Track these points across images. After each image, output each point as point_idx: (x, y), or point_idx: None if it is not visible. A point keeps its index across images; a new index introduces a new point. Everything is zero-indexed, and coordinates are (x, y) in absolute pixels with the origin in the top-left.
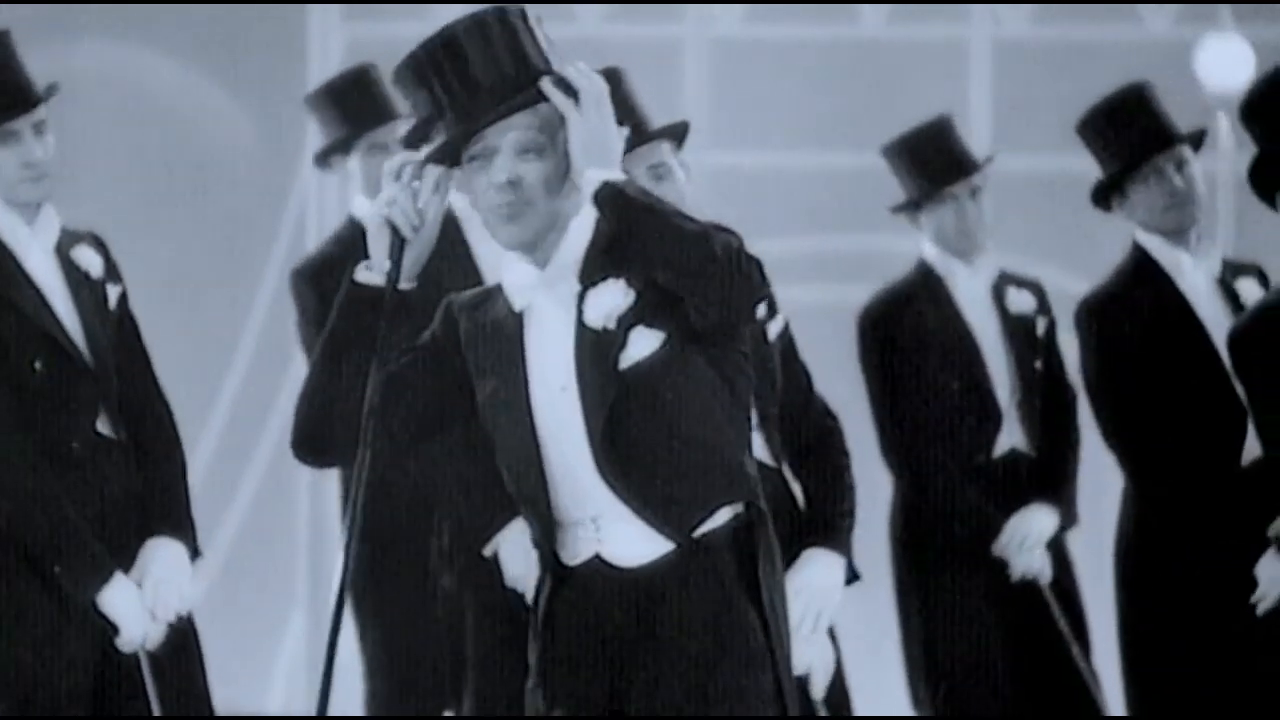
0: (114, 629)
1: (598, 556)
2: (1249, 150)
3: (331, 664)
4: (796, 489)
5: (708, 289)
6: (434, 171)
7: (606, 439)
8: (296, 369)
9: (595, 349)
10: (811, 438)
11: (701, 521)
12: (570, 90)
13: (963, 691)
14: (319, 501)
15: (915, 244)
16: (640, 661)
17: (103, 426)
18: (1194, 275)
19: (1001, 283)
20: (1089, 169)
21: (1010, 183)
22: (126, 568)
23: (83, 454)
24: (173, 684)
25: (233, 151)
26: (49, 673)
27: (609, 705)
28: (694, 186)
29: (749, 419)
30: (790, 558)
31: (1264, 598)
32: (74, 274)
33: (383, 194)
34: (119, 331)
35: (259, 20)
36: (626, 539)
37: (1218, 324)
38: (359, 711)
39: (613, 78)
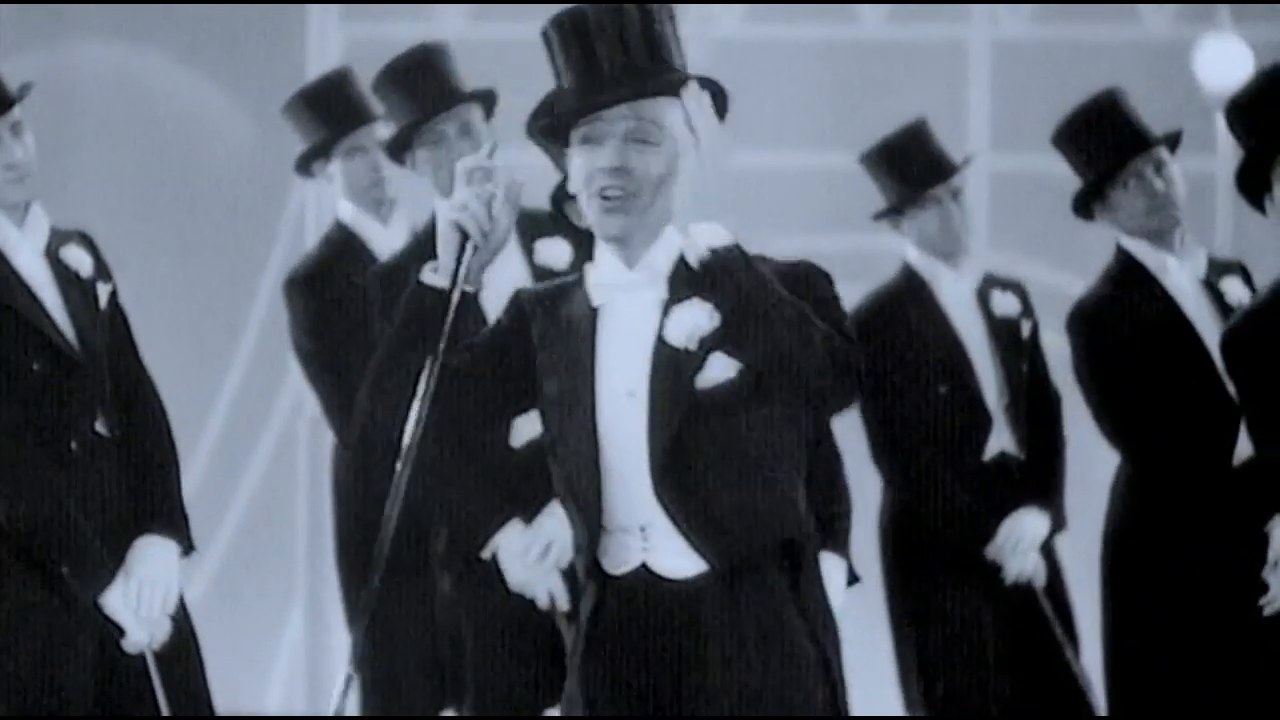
0: (119, 630)
1: (644, 566)
2: None
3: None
4: None
5: (804, 379)
6: (505, 176)
7: (669, 455)
8: (295, 371)
9: (672, 364)
10: None
11: (746, 553)
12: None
13: (957, 694)
14: (317, 502)
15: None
16: (687, 674)
17: (100, 426)
18: (1179, 276)
19: (986, 286)
20: None
21: (1009, 182)
22: None
23: (81, 454)
24: (175, 684)
25: (231, 152)
26: (52, 673)
27: (652, 716)
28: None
29: (806, 452)
30: None
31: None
32: (64, 274)
33: (455, 196)
34: (110, 329)
35: (257, 21)
36: (674, 551)
37: (1205, 323)
38: (356, 712)
39: None
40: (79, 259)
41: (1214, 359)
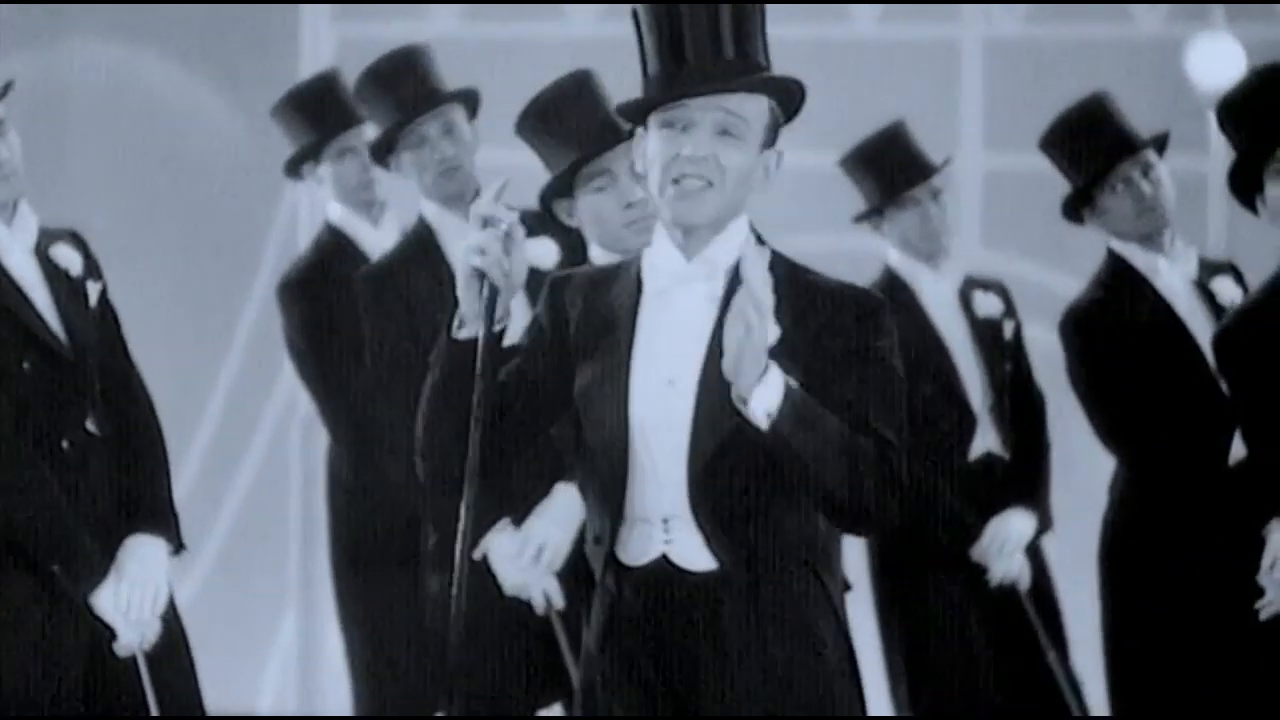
0: (109, 630)
1: (664, 558)
2: None
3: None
4: None
5: (848, 509)
6: (513, 216)
7: (710, 459)
8: (288, 371)
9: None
10: None
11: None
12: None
13: (945, 696)
14: (310, 502)
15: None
16: (708, 667)
17: (90, 424)
18: (1171, 278)
19: (967, 287)
20: None
21: (1002, 181)
22: None
23: (72, 452)
24: (165, 684)
25: (224, 152)
26: (42, 673)
27: (674, 710)
28: None
29: None
30: None
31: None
32: (54, 272)
33: (470, 240)
34: (101, 328)
35: (249, 21)
36: (697, 544)
37: (1198, 324)
38: (348, 711)
39: (585, 78)
40: (69, 257)
41: (1208, 360)
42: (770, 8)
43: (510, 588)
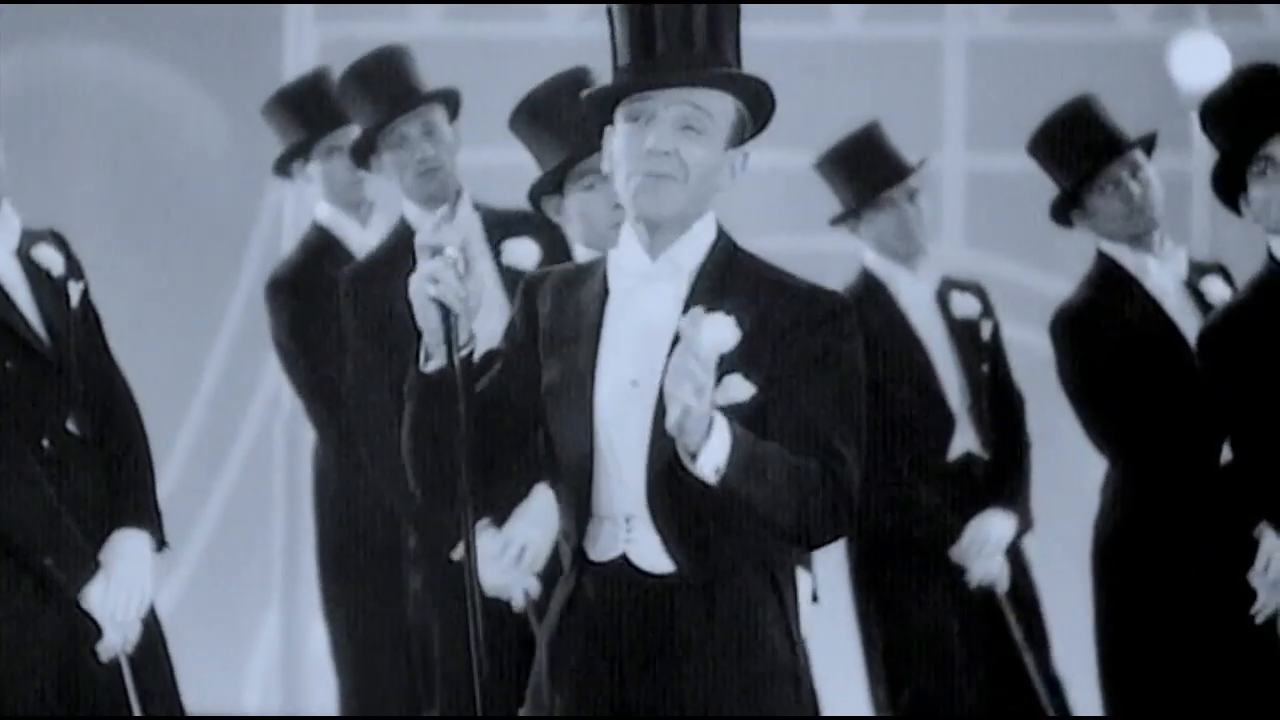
0: (95, 629)
1: (624, 557)
2: None
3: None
4: None
5: (795, 533)
6: (460, 233)
7: (670, 464)
8: (272, 370)
9: None
10: None
11: (721, 567)
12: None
13: (923, 697)
14: (294, 500)
15: None
16: (658, 670)
17: (71, 424)
18: (1161, 278)
19: (945, 287)
20: None
21: (985, 182)
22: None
23: (54, 452)
24: (146, 685)
25: (207, 153)
26: (18, 672)
27: (616, 707)
28: None
29: None
30: None
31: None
32: (35, 273)
33: (420, 271)
34: (83, 328)
35: (233, 21)
36: (656, 546)
37: (1188, 325)
38: (332, 710)
39: (581, 76)
40: (50, 258)
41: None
42: (752, 7)
43: (491, 589)
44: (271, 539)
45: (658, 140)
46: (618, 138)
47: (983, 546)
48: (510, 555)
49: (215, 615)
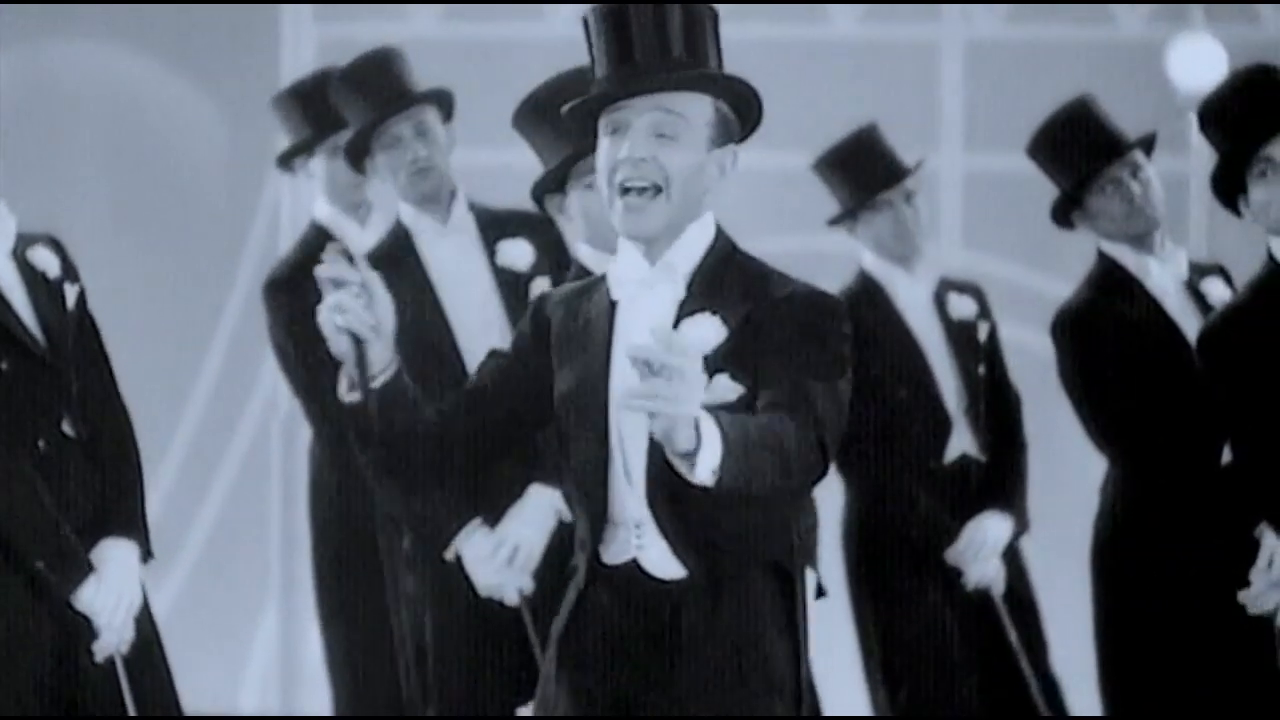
0: (91, 629)
1: (634, 562)
2: None
3: None
4: None
5: (780, 492)
6: (359, 274)
7: (664, 468)
8: (268, 371)
9: None
10: None
11: (729, 569)
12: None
13: (921, 699)
14: (291, 500)
15: None
16: (658, 671)
17: (66, 426)
18: (1162, 279)
19: (942, 289)
20: None
21: (983, 182)
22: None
23: (48, 453)
24: (142, 686)
25: (204, 152)
26: (14, 671)
27: (620, 709)
28: None
29: (808, 489)
30: None
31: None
32: (31, 275)
33: (327, 301)
34: (78, 330)
35: (231, 21)
36: (664, 552)
37: (1189, 325)
38: (329, 712)
39: (585, 75)
40: (46, 260)
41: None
42: (750, 8)
43: (485, 589)
44: (269, 539)
45: (633, 149)
46: (599, 152)
47: (979, 549)
48: (503, 555)
49: (212, 617)
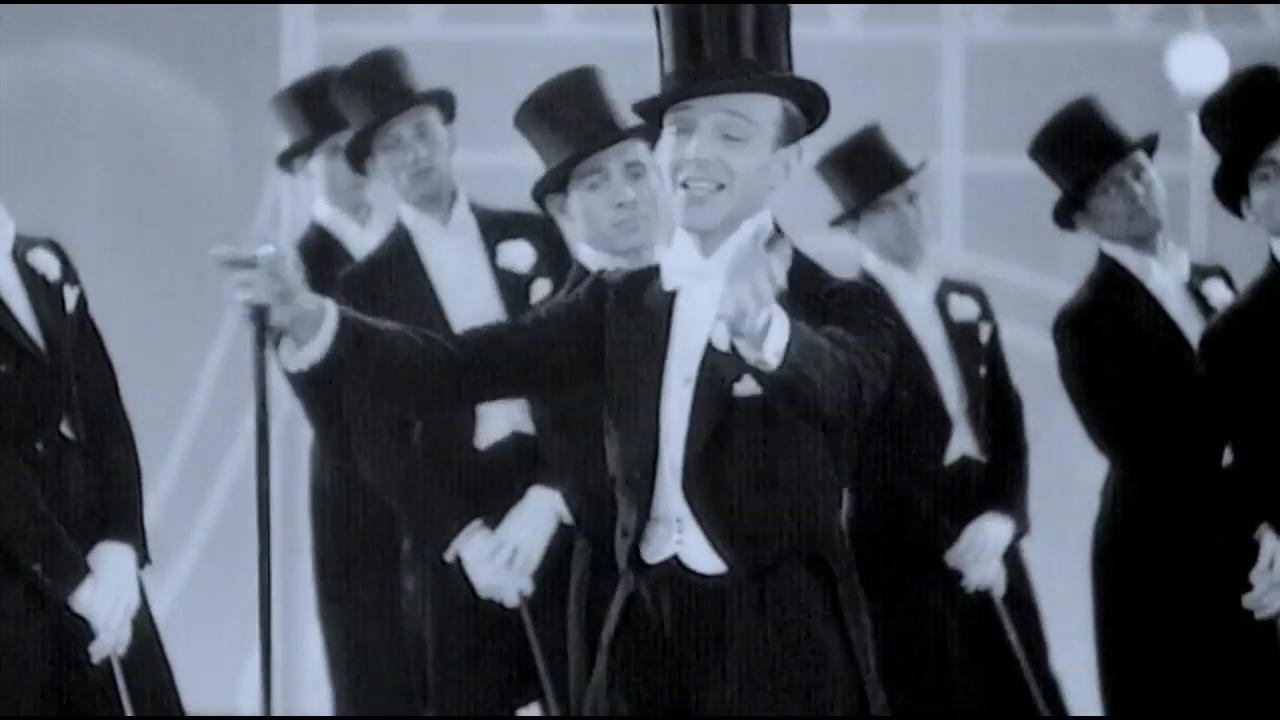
0: (88, 630)
1: (676, 558)
2: None
3: None
4: None
5: (809, 404)
6: (266, 249)
7: (701, 457)
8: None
9: (716, 368)
10: None
11: (767, 560)
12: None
13: (922, 697)
14: (291, 503)
15: None
16: (709, 669)
17: (65, 428)
18: (1163, 280)
19: (944, 290)
20: None
21: (982, 183)
22: None
23: (46, 455)
24: (141, 686)
25: (205, 152)
26: (12, 672)
27: (676, 707)
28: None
29: (844, 478)
30: None
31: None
32: (31, 277)
33: (231, 279)
34: (78, 334)
35: (232, 22)
36: (704, 547)
37: (1190, 326)
38: (327, 711)
39: (588, 75)
40: (46, 263)
41: (1199, 362)
42: None
43: (484, 590)
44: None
45: (699, 149)
46: (664, 147)
47: (980, 551)
48: (502, 557)
49: (212, 617)
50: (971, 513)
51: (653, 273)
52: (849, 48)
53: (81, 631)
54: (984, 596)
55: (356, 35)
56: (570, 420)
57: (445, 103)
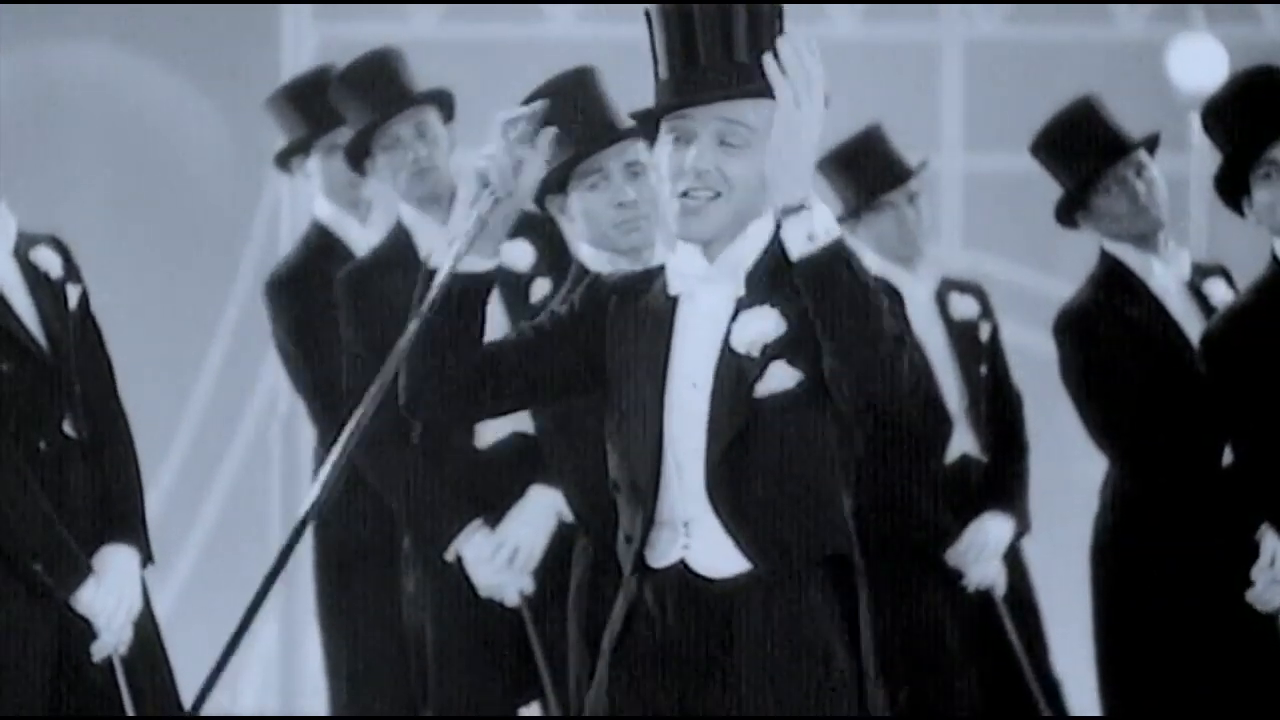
0: (90, 630)
1: (682, 562)
2: None
3: None
4: None
5: (860, 386)
6: (546, 140)
7: (725, 456)
8: (269, 371)
9: (734, 369)
10: None
11: (792, 559)
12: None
13: (922, 696)
14: (291, 503)
15: None
16: (714, 674)
17: (67, 427)
18: (1165, 279)
19: (944, 289)
20: None
21: (982, 182)
22: None
23: (49, 454)
24: (142, 686)
25: (205, 152)
26: (13, 672)
27: (678, 713)
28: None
29: (855, 474)
30: None
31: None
32: (34, 275)
33: (487, 147)
34: (80, 332)
35: (231, 21)
36: (713, 550)
37: (1191, 326)
38: (324, 712)
39: (586, 76)
40: (49, 260)
41: (1200, 361)
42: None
43: (485, 589)
44: (268, 541)
45: (697, 159)
46: (662, 155)
47: (981, 551)
48: (503, 557)
49: (212, 617)
50: (972, 512)
51: (653, 276)
52: (849, 48)
53: (83, 631)
54: (985, 596)
55: (356, 34)
56: (571, 420)
57: (444, 102)
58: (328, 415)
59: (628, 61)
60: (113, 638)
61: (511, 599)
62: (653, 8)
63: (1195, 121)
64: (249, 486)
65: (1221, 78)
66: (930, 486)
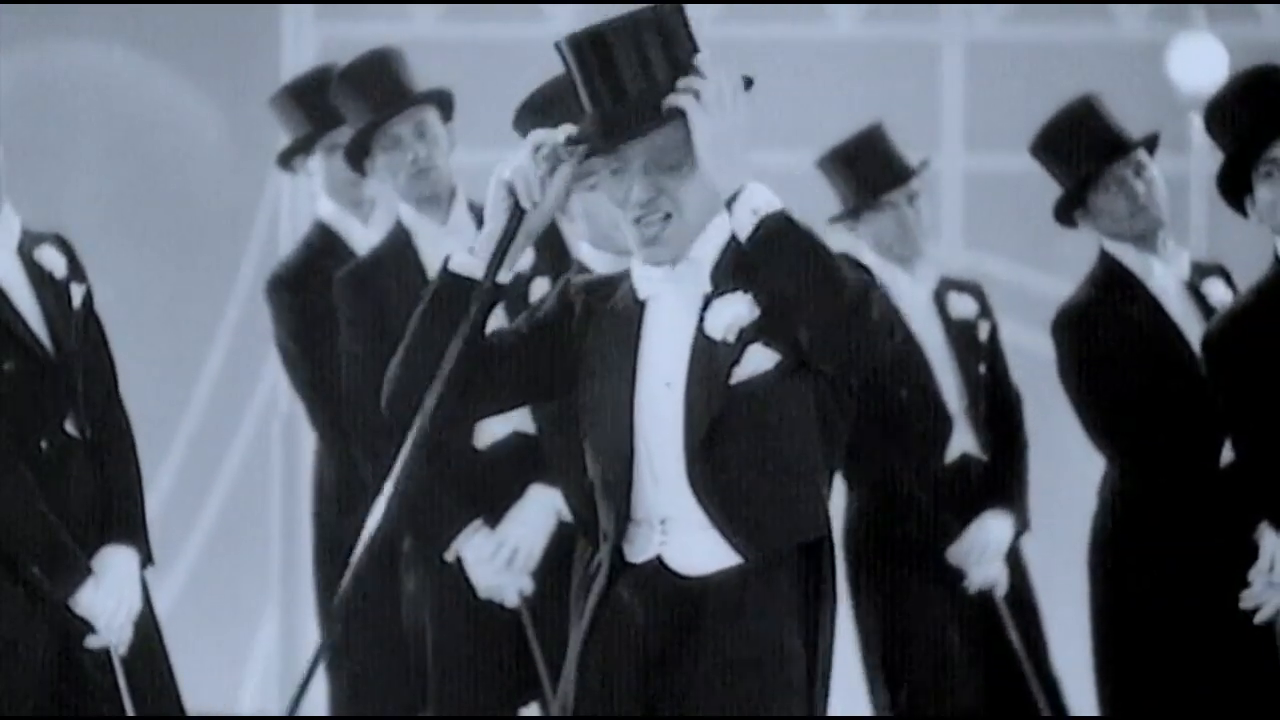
0: (89, 631)
1: (658, 559)
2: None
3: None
4: None
5: (831, 338)
6: (572, 163)
7: (704, 448)
8: (270, 370)
9: (709, 358)
10: None
11: (776, 545)
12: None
13: (922, 696)
14: (292, 501)
15: None
16: (677, 669)
17: (70, 426)
18: (1164, 279)
19: (943, 288)
20: None
21: (983, 182)
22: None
23: (51, 453)
24: (143, 686)
25: (205, 152)
26: (14, 672)
27: (640, 706)
28: None
29: (835, 462)
30: None
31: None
32: (38, 274)
33: (513, 160)
34: (84, 331)
35: (232, 21)
36: (689, 547)
37: (1190, 326)
38: (324, 711)
39: None
40: (53, 260)
41: (1200, 361)
42: (750, 8)
43: (484, 590)
44: (270, 539)
45: (639, 192)
46: (605, 185)
47: (983, 551)
48: (502, 557)
49: (212, 617)
50: (972, 511)
51: (621, 279)
52: (849, 47)
53: (83, 632)
54: (985, 595)
55: (357, 34)
56: (570, 420)
57: (444, 102)
58: (325, 414)
59: None
60: (113, 638)
61: (511, 599)
62: (564, 41)
63: (1195, 121)
64: (249, 486)
65: (1222, 77)
66: (930, 486)
